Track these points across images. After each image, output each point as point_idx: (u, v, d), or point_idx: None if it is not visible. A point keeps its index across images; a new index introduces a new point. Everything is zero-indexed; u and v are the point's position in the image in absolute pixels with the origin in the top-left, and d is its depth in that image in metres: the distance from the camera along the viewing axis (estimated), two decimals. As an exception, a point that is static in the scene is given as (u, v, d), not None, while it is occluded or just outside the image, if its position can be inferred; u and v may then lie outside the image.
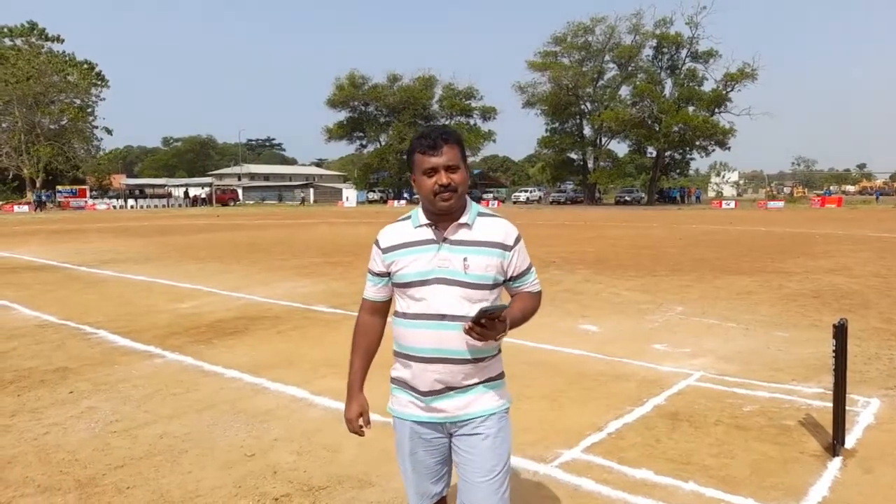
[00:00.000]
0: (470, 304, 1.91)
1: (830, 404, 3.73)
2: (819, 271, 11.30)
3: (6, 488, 3.28)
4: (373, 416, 2.15)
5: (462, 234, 1.95)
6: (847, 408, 3.75)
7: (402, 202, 63.24)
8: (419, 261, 1.94)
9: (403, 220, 2.06)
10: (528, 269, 2.05)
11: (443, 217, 1.95)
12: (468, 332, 1.78)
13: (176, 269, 12.28)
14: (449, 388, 1.95)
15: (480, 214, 2.00)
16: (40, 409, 4.49)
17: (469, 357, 1.94)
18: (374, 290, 2.10)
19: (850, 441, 3.76)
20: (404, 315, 1.99)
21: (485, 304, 1.88)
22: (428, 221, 1.97)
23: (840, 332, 3.65)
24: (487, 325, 1.77)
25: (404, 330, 1.98)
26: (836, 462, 3.51)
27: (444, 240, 1.94)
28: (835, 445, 3.60)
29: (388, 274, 2.02)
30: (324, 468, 3.50)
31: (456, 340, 1.89)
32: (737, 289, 9.44)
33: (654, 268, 12.02)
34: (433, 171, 1.91)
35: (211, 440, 3.91)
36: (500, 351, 2.06)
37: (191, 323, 7.31)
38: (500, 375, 2.06)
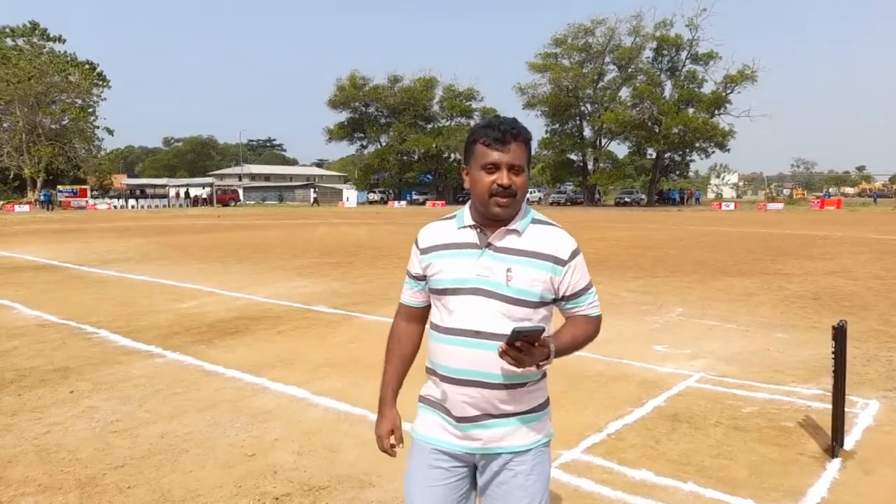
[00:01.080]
0: (509, 322, 1.68)
1: (830, 406, 3.73)
2: (819, 273, 11.32)
3: (7, 487, 3.29)
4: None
5: (509, 241, 1.73)
6: (846, 409, 3.76)
7: (403, 203, 63.28)
8: (457, 266, 1.73)
9: (448, 219, 1.85)
10: (586, 288, 1.80)
11: (492, 220, 1.73)
12: (502, 355, 1.56)
13: (177, 269, 12.28)
14: (485, 416, 1.73)
15: (534, 221, 1.77)
16: (41, 408, 4.50)
17: (506, 382, 1.71)
18: (410, 294, 1.90)
19: (849, 443, 3.77)
20: (437, 328, 1.79)
21: (523, 324, 1.64)
22: (473, 223, 1.76)
23: (839, 333, 3.65)
24: (524, 349, 1.55)
25: (437, 345, 1.78)
26: (835, 463, 3.52)
27: (488, 245, 1.72)
28: (834, 447, 3.61)
29: (426, 277, 1.82)
30: (324, 468, 3.51)
31: (491, 362, 1.66)
32: (737, 290, 9.45)
33: (654, 269, 12.03)
34: (495, 167, 1.68)
35: (211, 440, 3.91)
36: (544, 376, 1.82)
37: (192, 323, 7.32)
38: (544, 405, 1.83)
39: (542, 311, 1.76)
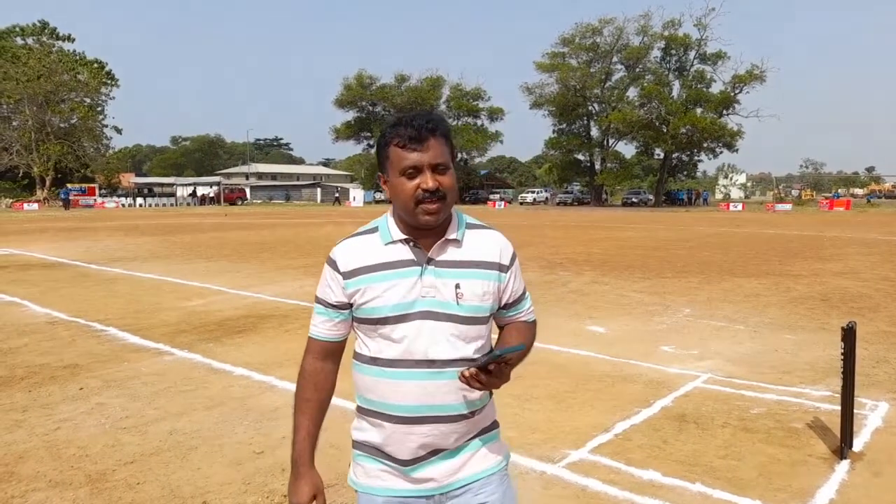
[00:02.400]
0: (464, 344, 1.51)
1: (838, 407, 3.73)
2: (827, 274, 11.26)
3: (18, 483, 3.32)
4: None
5: (451, 254, 1.53)
6: (855, 411, 3.74)
7: (409, 202, 63.27)
8: (396, 289, 1.49)
9: (367, 233, 1.59)
10: (525, 293, 1.66)
11: (424, 231, 1.52)
12: (468, 379, 1.39)
13: (185, 268, 12.35)
14: (437, 451, 1.53)
15: (469, 226, 1.59)
16: (51, 404, 4.54)
17: (466, 412, 1.53)
18: (327, 327, 1.62)
19: (857, 444, 3.76)
20: (375, 361, 1.54)
21: (477, 343, 1.53)
22: (405, 236, 1.53)
23: (848, 334, 3.64)
24: (495, 370, 1.40)
25: (376, 380, 1.54)
26: (844, 465, 3.51)
27: (429, 261, 1.51)
28: (843, 448, 3.60)
29: (350, 306, 1.56)
30: (331, 466, 3.52)
31: (447, 392, 1.49)
32: (745, 291, 9.41)
33: (662, 269, 12.00)
34: (416, 171, 1.47)
35: (220, 437, 3.94)
36: (491, 394, 1.64)
37: (200, 321, 7.35)
38: (495, 424, 1.65)
39: (490, 326, 1.61)
